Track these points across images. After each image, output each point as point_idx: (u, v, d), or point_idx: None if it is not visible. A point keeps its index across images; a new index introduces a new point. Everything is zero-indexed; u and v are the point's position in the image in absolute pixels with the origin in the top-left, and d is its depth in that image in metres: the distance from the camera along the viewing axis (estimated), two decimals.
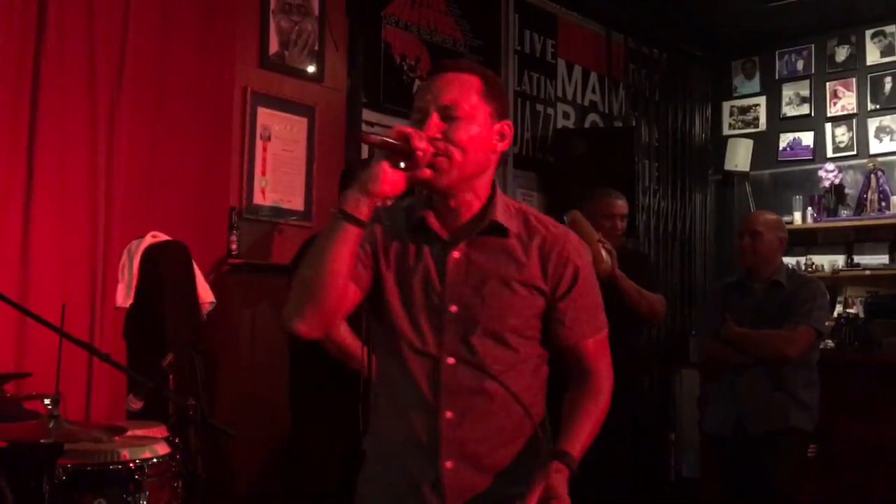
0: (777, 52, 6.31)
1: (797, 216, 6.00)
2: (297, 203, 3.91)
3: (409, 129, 1.44)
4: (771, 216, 3.52)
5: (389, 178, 1.42)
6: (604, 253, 3.32)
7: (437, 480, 1.52)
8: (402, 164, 1.43)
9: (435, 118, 1.49)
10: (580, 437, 1.53)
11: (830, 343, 4.67)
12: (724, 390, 3.37)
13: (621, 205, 3.67)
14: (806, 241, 6.00)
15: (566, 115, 5.53)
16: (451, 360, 1.52)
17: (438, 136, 1.47)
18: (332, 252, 1.44)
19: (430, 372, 1.52)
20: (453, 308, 1.52)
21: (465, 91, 1.51)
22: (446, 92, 1.50)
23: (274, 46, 3.86)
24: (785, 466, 3.21)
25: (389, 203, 1.54)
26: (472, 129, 1.50)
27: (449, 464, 1.51)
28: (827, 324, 3.58)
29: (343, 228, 1.43)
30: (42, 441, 2.16)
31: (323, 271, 1.44)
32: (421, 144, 1.43)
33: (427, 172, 1.45)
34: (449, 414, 1.51)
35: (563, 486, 1.45)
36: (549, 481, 1.43)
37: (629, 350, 3.46)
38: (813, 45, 6.16)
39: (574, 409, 1.57)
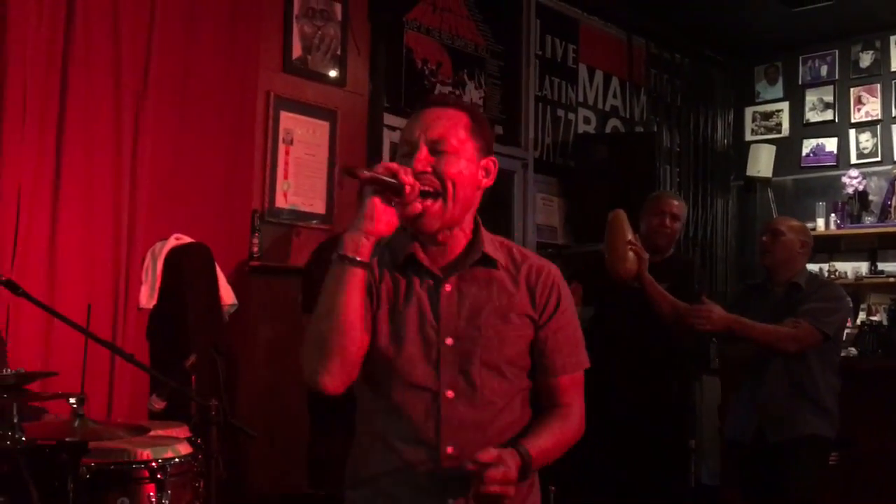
0: (800, 58, 6.27)
1: (820, 223, 5.95)
2: (319, 206, 3.94)
3: (395, 165, 1.43)
4: (796, 221, 3.49)
5: (383, 216, 1.43)
6: (630, 254, 3.29)
7: None
8: (393, 201, 1.43)
9: (424, 151, 1.49)
10: (540, 439, 1.52)
11: (854, 351, 4.62)
12: (744, 397, 3.34)
13: (673, 204, 3.59)
14: (829, 247, 5.95)
15: (587, 120, 5.53)
16: (450, 394, 1.50)
17: (428, 169, 1.48)
18: (343, 300, 1.43)
19: (429, 407, 1.49)
20: (449, 341, 1.51)
21: (453, 126, 1.51)
22: (435, 126, 1.51)
23: (297, 51, 3.90)
24: (806, 474, 3.17)
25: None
26: (460, 164, 1.51)
27: (461, 500, 1.47)
28: (847, 331, 3.52)
29: (349, 273, 1.43)
30: (67, 440, 2.19)
31: (340, 322, 1.43)
32: (409, 179, 1.43)
33: (417, 207, 1.45)
34: (450, 449, 1.48)
35: (513, 463, 1.43)
36: (502, 453, 1.43)
37: (664, 355, 3.44)
38: (837, 51, 6.11)
39: (542, 423, 1.56)
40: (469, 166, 1.52)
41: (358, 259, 1.43)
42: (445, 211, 1.49)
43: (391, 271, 1.55)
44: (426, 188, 1.47)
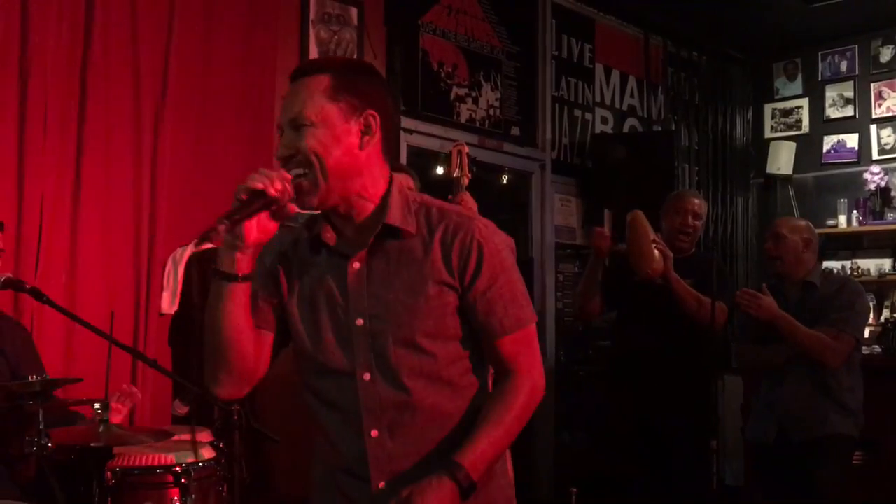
0: (820, 53, 6.22)
1: (842, 219, 5.89)
2: None
3: (257, 185, 1.33)
4: (796, 220, 3.49)
5: (253, 227, 1.35)
6: (656, 253, 3.28)
7: (372, 502, 1.43)
8: (272, 211, 1.35)
9: (287, 136, 1.42)
10: (478, 447, 1.41)
11: (877, 349, 4.57)
12: (766, 397, 3.32)
13: (695, 203, 3.58)
14: (851, 244, 5.90)
15: (604, 120, 5.51)
16: (366, 377, 1.43)
17: (291, 151, 1.40)
18: (224, 316, 1.40)
19: (348, 391, 1.44)
20: (359, 321, 1.43)
21: (308, 97, 1.41)
22: (291, 104, 1.42)
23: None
24: (830, 474, 3.15)
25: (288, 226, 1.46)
26: (320, 133, 1.39)
27: (381, 485, 1.43)
28: (871, 328, 3.50)
29: (227, 289, 1.39)
30: (92, 445, 2.22)
31: (223, 337, 1.41)
32: (277, 186, 1.34)
33: (292, 208, 1.37)
34: (374, 432, 1.43)
35: (446, 492, 1.35)
36: (412, 493, 1.35)
37: (686, 356, 3.42)
38: (856, 46, 6.06)
39: (481, 417, 1.44)
40: (333, 132, 1.40)
41: (235, 273, 1.38)
42: (318, 184, 1.39)
43: (305, 256, 1.48)
44: (297, 170, 1.39)
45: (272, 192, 1.33)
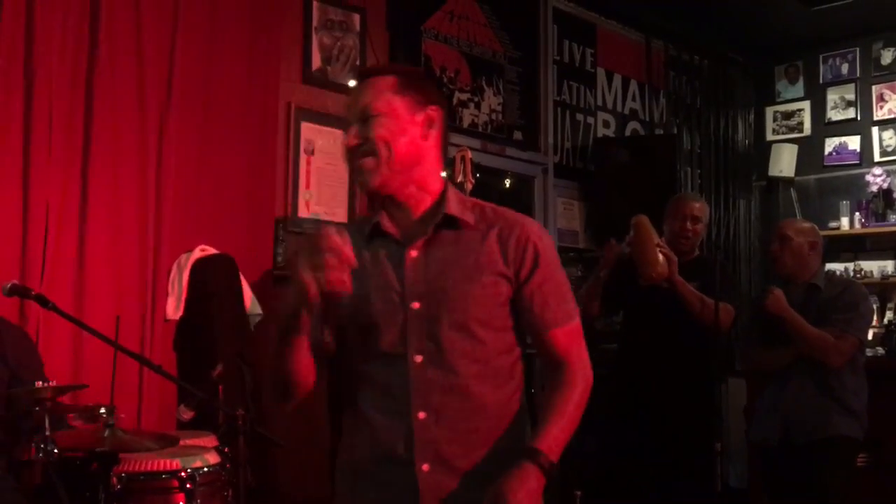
0: (821, 56, 6.22)
1: (844, 221, 5.89)
2: (341, 215, 3.96)
3: (305, 291, 1.36)
4: (801, 222, 3.49)
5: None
6: (660, 256, 3.28)
7: (413, 485, 1.47)
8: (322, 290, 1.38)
9: (354, 127, 1.51)
10: (550, 431, 1.48)
11: (881, 350, 4.57)
12: (769, 399, 3.32)
13: (695, 206, 3.57)
14: (854, 246, 5.89)
15: (606, 124, 5.52)
16: (418, 358, 1.48)
17: (358, 141, 1.49)
18: (290, 362, 1.49)
19: (398, 373, 1.48)
20: (415, 305, 1.49)
21: (377, 91, 1.51)
22: (359, 98, 1.53)
23: (317, 62, 3.93)
24: (834, 476, 3.14)
25: None
26: (388, 123, 1.49)
27: (426, 467, 1.47)
28: (874, 330, 3.51)
29: (294, 339, 1.47)
30: (98, 450, 2.23)
31: (289, 376, 1.51)
32: (308, 280, 1.36)
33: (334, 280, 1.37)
34: (422, 415, 1.47)
35: (521, 490, 1.40)
36: (502, 487, 1.40)
37: (690, 359, 3.43)
38: (857, 49, 6.06)
39: (545, 407, 1.52)
40: (399, 122, 1.50)
41: (299, 327, 1.45)
42: (381, 166, 1.48)
43: (361, 246, 1.52)
44: (362, 153, 1.49)
45: (311, 292, 1.36)
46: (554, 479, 1.45)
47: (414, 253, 1.51)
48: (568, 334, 1.56)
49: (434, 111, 1.55)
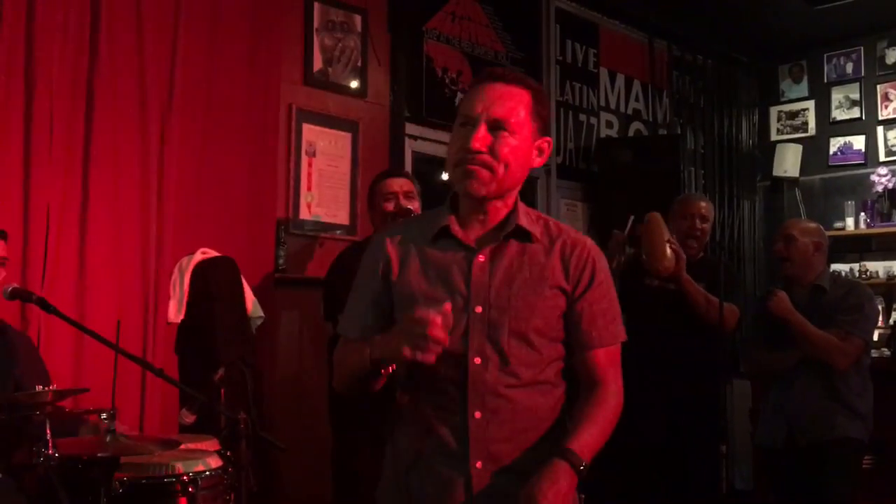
0: (825, 56, 6.20)
1: (850, 222, 5.87)
2: (343, 217, 3.95)
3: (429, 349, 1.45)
4: (807, 223, 3.47)
5: None
6: (668, 252, 3.27)
7: (467, 481, 1.53)
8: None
9: (483, 129, 1.53)
10: (582, 434, 1.54)
11: (886, 352, 4.54)
12: (775, 401, 3.30)
13: (701, 206, 3.57)
14: (859, 247, 5.86)
15: (609, 124, 5.50)
16: (477, 360, 1.54)
17: (484, 149, 1.52)
18: (366, 388, 1.62)
19: (458, 372, 1.54)
20: (479, 309, 1.55)
21: (515, 106, 1.55)
22: (498, 105, 1.54)
23: (318, 63, 3.92)
24: (839, 478, 3.13)
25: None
26: (516, 144, 1.55)
27: (479, 464, 1.53)
28: (880, 331, 3.49)
29: (375, 378, 1.60)
30: (99, 455, 2.22)
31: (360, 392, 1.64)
32: (437, 340, 1.44)
33: (430, 358, 1.46)
34: (478, 414, 1.53)
35: (552, 489, 1.46)
36: (534, 486, 1.46)
37: (695, 361, 3.41)
38: (862, 48, 6.04)
39: (577, 415, 1.58)
40: (524, 146, 1.56)
41: (381, 372, 1.57)
42: (494, 181, 1.54)
43: (419, 245, 1.60)
44: (483, 163, 1.53)
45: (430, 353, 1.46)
46: (583, 477, 1.51)
47: (482, 259, 1.58)
48: (608, 355, 1.63)
49: (547, 143, 1.62)
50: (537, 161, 1.61)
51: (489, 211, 1.59)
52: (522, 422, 1.56)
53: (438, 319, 1.42)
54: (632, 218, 3.41)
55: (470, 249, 1.58)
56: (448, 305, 1.45)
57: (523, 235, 1.59)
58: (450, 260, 1.58)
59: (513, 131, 1.54)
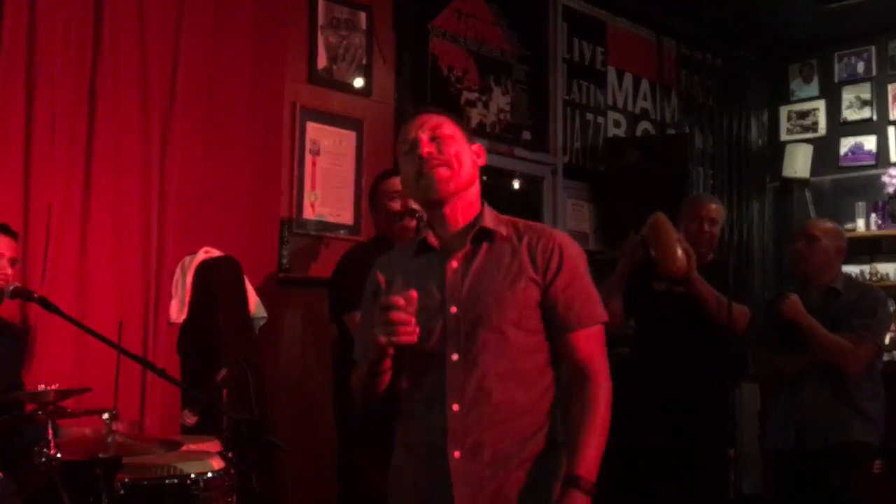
0: (836, 55, 6.15)
1: (860, 223, 5.82)
2: (347, 217, 3.93)
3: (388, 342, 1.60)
4: (831, 224, 3.42)
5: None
6: (679, 252, 3.24)
7: (447, 470, 1.64)
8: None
9: (425, 140, 1.72)
10: (586, 453, 1.64)
11: None
12: (784, 404, 3.27)
13: (711, 208, 3.54)
14: (870, 249, 5.81)
15: (617, 124, 5.46)
16: (454, 357, 1.66)
17: (434, 151, 1.71)
18: (375, 394, 1.73)
19: (437, 370, 1.67)
20: (453, 309, 1.68)
21: (441, 122, 1.76)
22: (428, 124, 1.75)
23: (322, 61, 3.90)
24: (849, 483, 3.10)
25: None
26: (457, 145, 1.73)
27: (457, 454, 1.64)
28: (891, 334, 3.45)
29: (378, 378, 1.70)
30: (101, 456, 2.21)
31: (379, 398, 1.74)
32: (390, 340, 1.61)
33: (406, 339, 1.60)
34: (455, 407, 1.65)
35: None
36: None
37: (704, 364, 3.38)
38: (873, 47, 5.98)
39: (576, 426, 1.67)
40: (463, 146, 1.75)
41: (381, 370, 1.68)
42: (454, 177, 1.71)
43: (407, 262, 1.77)
44: (438, 162, 1.71)
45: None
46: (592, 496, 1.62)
47: (454, 264, 1.71)
48: (590, 337, 1.70)
49: (480, 147, 1.80)
50: (480, 161, 1.79)
51: (458, 215, 1.74)
52: (501, 413, 1.65)
53: (400, 300, 1.56)
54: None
55: (444, 256, 1.73)
56: (413, 292, 1.59)
57: (491, 235, 1.73)
58: (427, 269, 1.73)
59: (449, 136, 1.73)
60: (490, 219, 1.74)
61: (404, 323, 1.57)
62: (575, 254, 1.74)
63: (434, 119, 1.76)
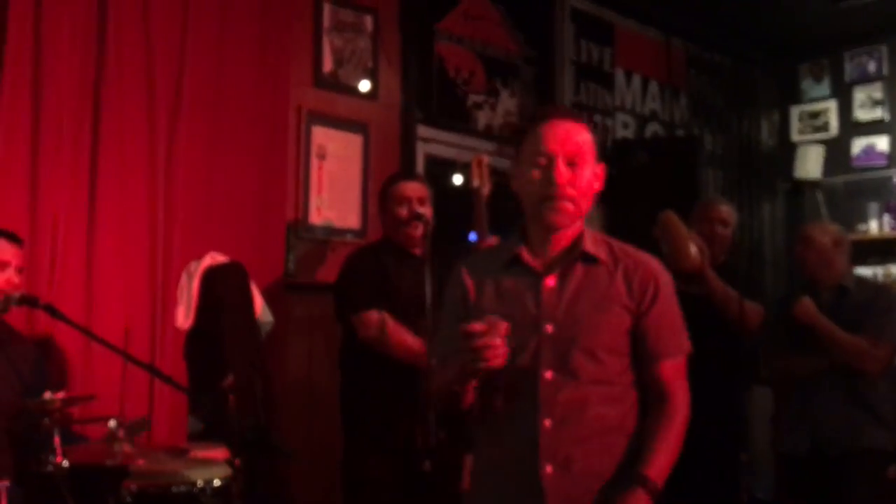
0: (846, 54, 6.09)
1: (873, 224, 5.76)
2: (353, 221, 3.91)
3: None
4: (824, 223, 3.46)
5: None
6: (692, 248, 3.22)
7: (538, 486, 1.68)
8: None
9: (562, 166, 1.71)
10: (657, 458, 1.69)
11: None
12: (798, 408, 3.24)
13: (723, 210, 3.55)
14: (883, 250, 5.75)
15: (626, 126, 5.44)
16: (549, 375, 1.70)
17: (568, 185, 1.71)
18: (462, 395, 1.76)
19: (529, 386, 1.71)
20: (549, 328, 1.72)
21: (583, 141, 1.74)
22: (570, 142, 1.73)
23: (328, 65, 3.89)
24: (864, 489, 3.09)
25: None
26: (590, 177, 1.76)
27: (549, 469, 1.68)
28: None
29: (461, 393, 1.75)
30: (108, 463, 2.21)
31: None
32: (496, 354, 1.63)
33: (493, 364, 1.63)
34: (547, 422, 1.69)
35: None
36: None
37: (715, 367, 3.35)
38: (884, 46, 5.92)
39: (648, 434, 1.73)
40: (590, 177, 1.77)
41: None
42: (576, 213, 1.75)
43: (493, 273, 1.79)
44: (568, 198, 1.73)
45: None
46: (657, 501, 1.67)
47: (551, 282, 1.75)
48: (675, 367, 1.78)
49: (601, 169, 1.80)
50: (597, 186, 1.79)
51: (561, 238, 1.77)
52: (590, 429, 1.70)
53: (481, 327, 1.58)
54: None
55: (539, 274, 1.76)
56: (502, 322, 1.60)
57: (590, 259, 1.76)
58: (521, 285, 1.76)
59: (583, 164, 1.73)
60: (590, 241, 1.78)
61: (490, 348, 1.59)
62: (667, 282, 1.80)
63: (576, 135, 1.74)
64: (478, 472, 1.83)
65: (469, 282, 1.76)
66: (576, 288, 1.74)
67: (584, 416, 1.69)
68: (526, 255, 1.77)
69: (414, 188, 3.00)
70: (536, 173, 1.72)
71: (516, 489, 1.71)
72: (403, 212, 2.94)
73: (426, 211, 2.92)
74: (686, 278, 3.29)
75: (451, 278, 1.85)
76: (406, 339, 2.79)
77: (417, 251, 2.94)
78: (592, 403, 1.70)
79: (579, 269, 1.76)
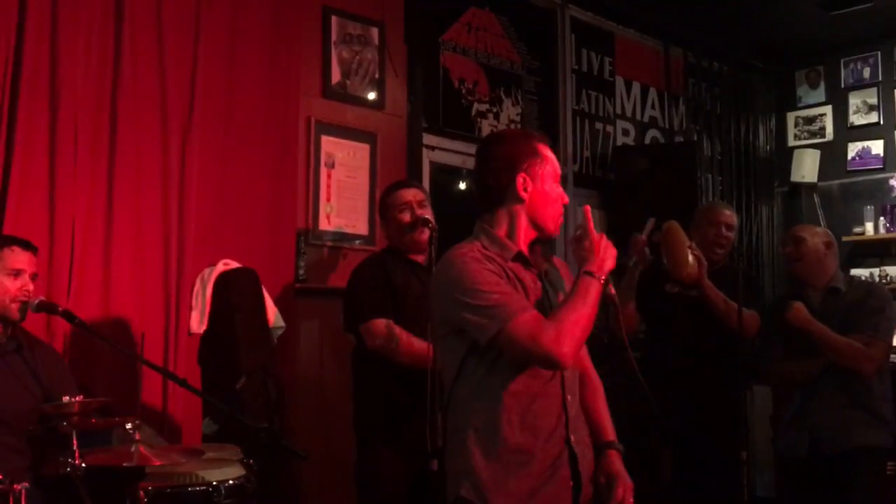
0: (842, 61, 6.16)
1: (869, 227, 5.82)
2: (362, 227, 3.98)
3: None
4: (813, 226, 3.50)
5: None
6: (690, 258, 3.28)
7: (570, 450, 1.95)
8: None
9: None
10: (610, 425, 2.10)
11: None
12: (798, 408, 3.27)
13: (726, 214, 3.63)
14: (879, 252, 5.81)
15: (626, 132, 5.50)
16: (569, 398, 1.99)
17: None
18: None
19: (558, 409, 1.98)
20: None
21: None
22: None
23: (336, 76, 3.95)
24: (863, 486, 3.10)
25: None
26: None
27: (573, 438, 1.97)
28: None
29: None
30: (125, 465, 2.24)
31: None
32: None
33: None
34: (569, 397, 1.98)
35: (622, 467, 2.00)
36: (614, 468, 2.00)
37: (715, 368, 3.40)
38: (879, 52, 6.00)
39: (598, 407, 2.13)
40: None
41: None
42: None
43: (516, 269, 1.99)
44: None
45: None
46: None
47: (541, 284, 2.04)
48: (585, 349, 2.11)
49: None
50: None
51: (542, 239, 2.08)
52: (578, 406, 2.05)
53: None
54: (652, 220, 3.42)
55: (533, 271, 2.03)
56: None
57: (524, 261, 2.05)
58: (530, 279, 2.02)
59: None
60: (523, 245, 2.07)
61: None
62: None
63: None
64: (512, 444, 1.93)
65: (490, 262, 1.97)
66: (553, 282, 2.11)
67: (583, 392, 2.07)
68: (527, 253, 2.04)
69: (412, 193, 3.01)
70: (555, 193, 2.09)
71: (554, 456, 1.94)
72: (406, 216, 2.95)
73: (427, 213, 2.95)
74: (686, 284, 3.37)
75: (478, 261, 1.94)
76: (413, 344, 2.80)
77: (422, 258, 2.97)
78: (582, 382, 2.08)
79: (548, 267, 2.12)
